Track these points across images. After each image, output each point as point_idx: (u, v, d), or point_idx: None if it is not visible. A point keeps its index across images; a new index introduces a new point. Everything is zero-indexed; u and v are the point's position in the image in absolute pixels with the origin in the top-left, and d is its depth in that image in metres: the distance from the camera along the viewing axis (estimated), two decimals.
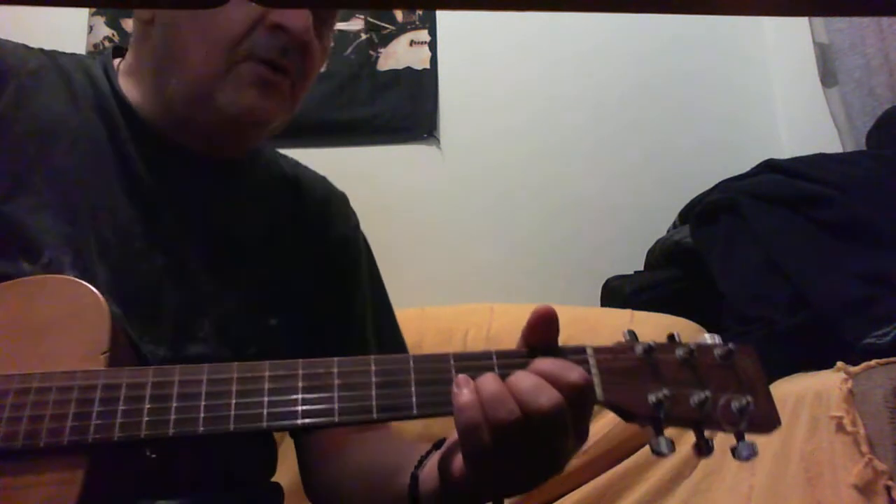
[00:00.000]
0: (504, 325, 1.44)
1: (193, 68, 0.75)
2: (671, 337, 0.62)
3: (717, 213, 1.42)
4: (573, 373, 0.55)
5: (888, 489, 0.84)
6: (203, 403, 0.56)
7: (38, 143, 0.74)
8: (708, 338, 0.62)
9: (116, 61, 0.84)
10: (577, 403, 0.55)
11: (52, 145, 0.74)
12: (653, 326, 1.38)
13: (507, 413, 0.53)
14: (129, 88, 0.80)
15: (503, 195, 1.97)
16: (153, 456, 0.60)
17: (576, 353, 0.60)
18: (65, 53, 0.84)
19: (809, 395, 0.98)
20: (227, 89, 0.75)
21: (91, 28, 2.01)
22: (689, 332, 1.37)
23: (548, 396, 0.53)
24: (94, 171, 0.75)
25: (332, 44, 0.88)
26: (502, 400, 0.54)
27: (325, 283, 0.88)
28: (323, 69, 2.23)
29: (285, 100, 0.79)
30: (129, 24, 2.01)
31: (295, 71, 0.78)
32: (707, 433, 0.58)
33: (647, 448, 1.25)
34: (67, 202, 0.72)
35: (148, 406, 0.55)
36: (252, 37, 0.74)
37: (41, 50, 0.82)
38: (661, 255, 1.66)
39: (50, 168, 0.73)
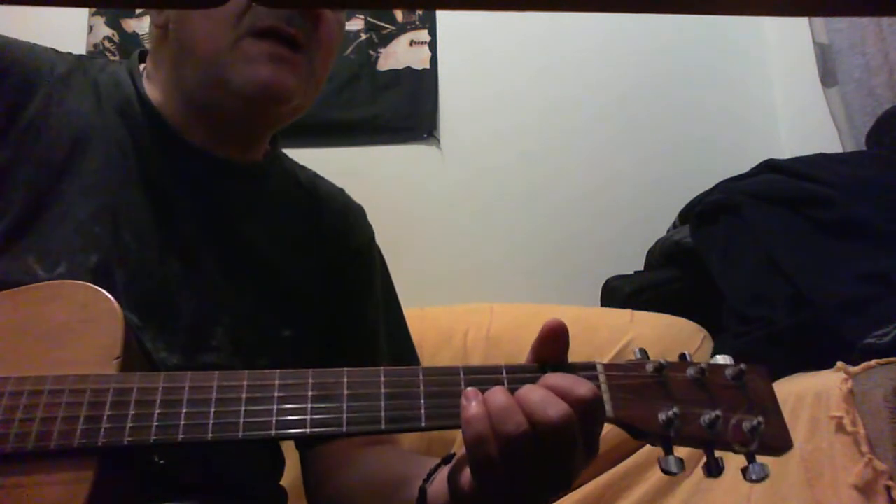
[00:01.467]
0: (504, 325, 1.43)
1: (203, 51, 0.75)
2: (682, 356, 0.62)
3: (717, 213, 1.42)
4: (582, 387, 0.55)
5: (888, 489, 0.85)
6: (213, 410, 0.56)
7: (67, 148, 0.74)
8: (720, 358, 0.62)
9: (141, 66, 0.84)
10: (587, 418, 0.54)
11: (79, 149, 0.75)
12: (653, 327, 1.38)
13: (514, 426, 0.53)
14: (151, 92, 0.80)
15: (503, 195, 1.98)
16: (161, 462, 0.60)
17: (586, 370, 0.60)
18: (94, 58, 0.84)
19: (809, 395, 0.98)
20: (239, 68, 0.73)
21: (91, 28, 2.01)
22: (690, 332, 1.37)
23: (556, 409, 0.53)
24: (117, 174, 0.75)
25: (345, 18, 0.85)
26: (510, 412, 0.54)
27: (339, 297, 0.88)
28: (330, 65, 2.20)
29: (303, 73, 0.77)
30: (129, 24, 2.01)
31: (308, 42, 0.76)
32: (717, 453, 0.58)
33: (647, 448, 1.26)
34: (95, 206, 0.73)
35: (158, 411, 0.56)
36: (254, 9, 0.73)
37: (70, 54, 0.82)
38: (661, 255, 1.66)
39: (78, 173, 0.74)
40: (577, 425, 0.54)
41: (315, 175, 0.95)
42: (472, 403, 0.55)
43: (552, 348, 0.60)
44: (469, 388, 0.57)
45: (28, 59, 0.77)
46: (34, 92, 0.75)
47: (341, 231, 0.91)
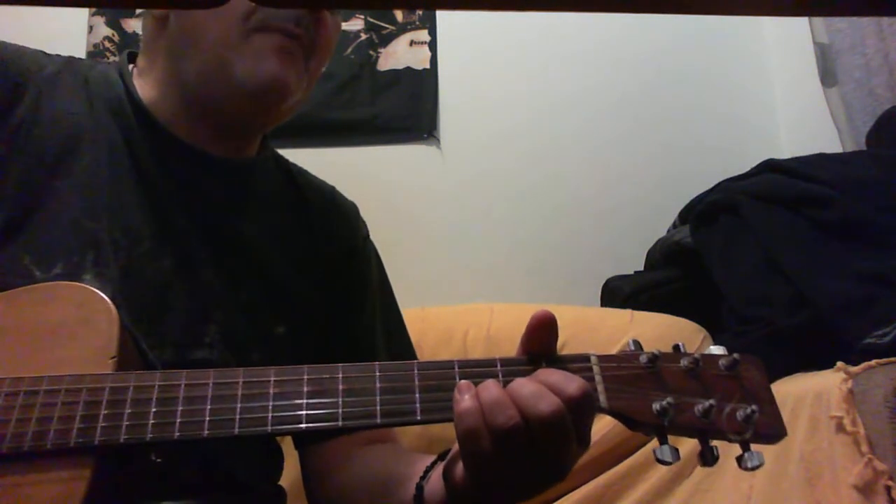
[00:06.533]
0: (504, 325, 1.44)
1: (209, 44, 0.76)
2: (676, 347, 0.62)
3: (717, 213, 1.42)
4: (573, 384, 0.55)
5: (888, 489, 0.85)
6: (208, 407, 0.56)
7: (59, 146, 0.74)
8: (714, 348, 0.62)
9: (131, 66, 0.84)
10: (578, 412, 0.54)
11: (71, 148, 0.75)
12: (653, 327, 1.38)
13: (506, 419, 0.53)
14: (143, 89, 0.80)
15: (503, 195, 1.97)
16: (158, 460, 0.60)
17: (580, 361, 0.60)
18: (82, 59, 0.84)
19: (809, 395, 0.98)
20: (246, 60, 0.75)
21: (91, 28, 2.01)
22: (689, 332, 1.37)
23: (548, 403, 0.53)
24: (109, 172, 0.75)
25: (342, 21, 0.87)
26: (502, 406, 0.54)
27: (332, 295, 0.87)
28: (323, 69, 2.20)
29: (301, 70, 0.78)
30: (129, 24, 2.01)
31: (309, 43, 0.78)
32: (712, 442, 0.58)
33: (647, 448, 1.26)
34: (87, 204, 0.73)
35: (154, 409, 0.56)
36: (262, 8, 0.74)
37: (59, 56, 0.82)
38: (661, 255, 1.66)
39: (70, 171, 0.74)
40: (568, 418, 0.54)
41: (306, 172, 0.95)
42: (465, 397, 0.55)
43: (542, 341, 0.60)
44: (462, 382, 0.57)
45: (16, 60, 0.77)
46: (24, 92, 0.75)
47: (332, 229, 0.91)
